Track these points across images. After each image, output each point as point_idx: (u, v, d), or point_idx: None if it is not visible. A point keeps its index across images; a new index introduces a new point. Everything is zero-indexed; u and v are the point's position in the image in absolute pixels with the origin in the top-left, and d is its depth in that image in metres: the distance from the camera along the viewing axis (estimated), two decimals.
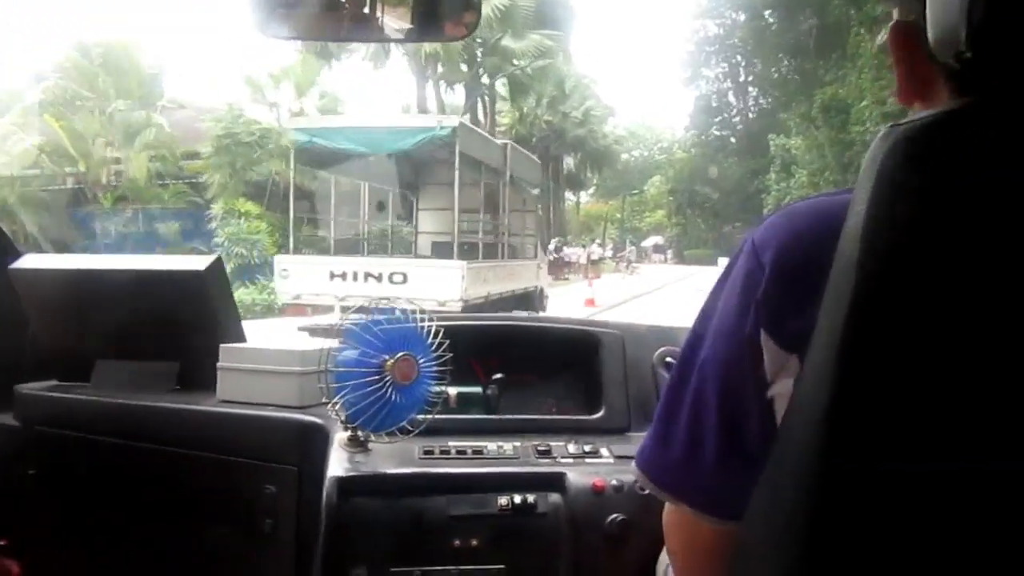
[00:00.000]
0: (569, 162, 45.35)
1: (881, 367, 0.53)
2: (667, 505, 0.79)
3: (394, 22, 1.36)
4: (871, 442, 0.54)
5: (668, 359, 1.60)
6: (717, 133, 55.48)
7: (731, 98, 55.27)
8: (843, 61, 25.67)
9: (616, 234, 61.38)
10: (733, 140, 55.21)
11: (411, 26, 1.37)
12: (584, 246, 33.80)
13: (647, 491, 0.78)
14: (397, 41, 1.35)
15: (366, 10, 1.37)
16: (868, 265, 0.54)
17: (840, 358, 0.54)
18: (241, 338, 1.72)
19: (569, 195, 54.34)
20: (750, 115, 53.81)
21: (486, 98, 31.19)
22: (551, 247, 31.17)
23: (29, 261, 1.77)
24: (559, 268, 28.91)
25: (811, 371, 0.59)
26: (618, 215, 65.71)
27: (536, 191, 13.27)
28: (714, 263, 42.64)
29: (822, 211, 0.67)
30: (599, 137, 42.25)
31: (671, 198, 56.80)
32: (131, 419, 1.63)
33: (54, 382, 1.80)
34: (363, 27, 1.41)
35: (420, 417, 1.35)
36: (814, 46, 30.25)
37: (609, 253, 39.44)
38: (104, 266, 1.79)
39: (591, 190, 62.48)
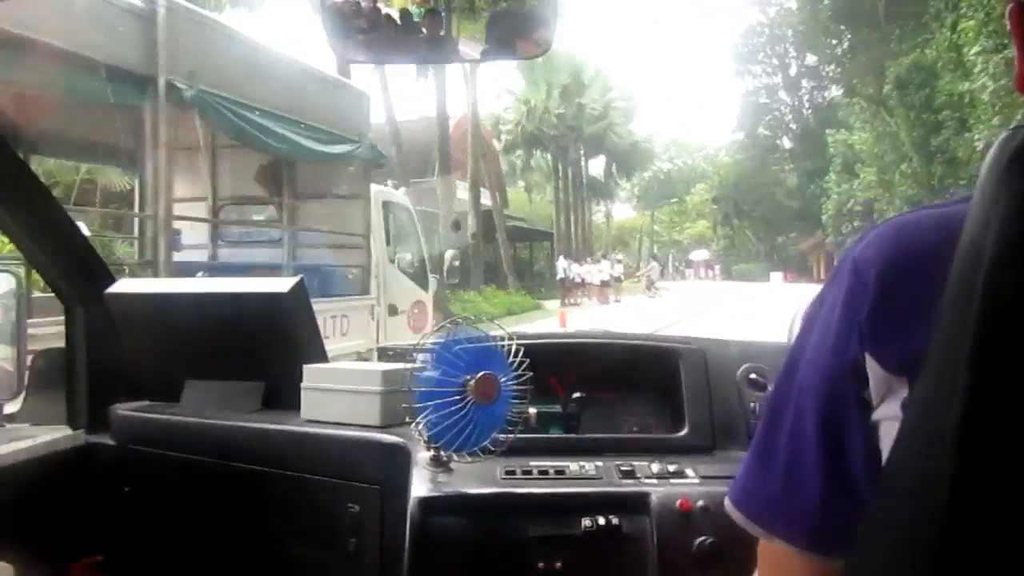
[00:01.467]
0: (596, 167, 41.50)
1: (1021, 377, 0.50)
2: (762, 540, 0.74)
3: (468, 42, 1.38)
4: (1008, 454, 0.50)
5: (753, 375, 1.55)
6: (766, 133, 51.12)
7: (782, 95, 50.84)
8: (921, 29, 21.33)
9: (653, 248, 56.76)
10: (786, 141, 50.99)
11: (485, 46, 1.39)
12: (603, 260, 29.45)
13: (742, 526, 0.74)
14: (472, 61, 1.36)
15: (442, 33, 1.39)
16: (1001, 274, 0.51)
17: (970, 370, 0.51)
18: (323, 358, 1.75)
19: (601, 207, 50.57)
20: (804, 111, 49.28)
21: (467, 79, 25.08)
22: (559, 266, 26.96)
23: (123, 286, 1.84)
24: (569, 291, 26.13)
25: (929, 389, 0.56)
26: (655, 227, 60.79)
27: (347, 149, 6.50)
28: (766, 278, 40.81)
29: (931, 223, 0.64)
30: (623, 134, 37.61)
31: (715, 207, 52.31)
32: (219, 438, 1.67)
33: (147, 402, 1.86)
34: (439, 49, 1.43)
35: (501, 437, 1.34)
36: (884, 10, 25.89)
37: (648, 268, 34.23)
38: (192, 289, 1.85)
39: (632, 201, 59.46)
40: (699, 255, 58.26)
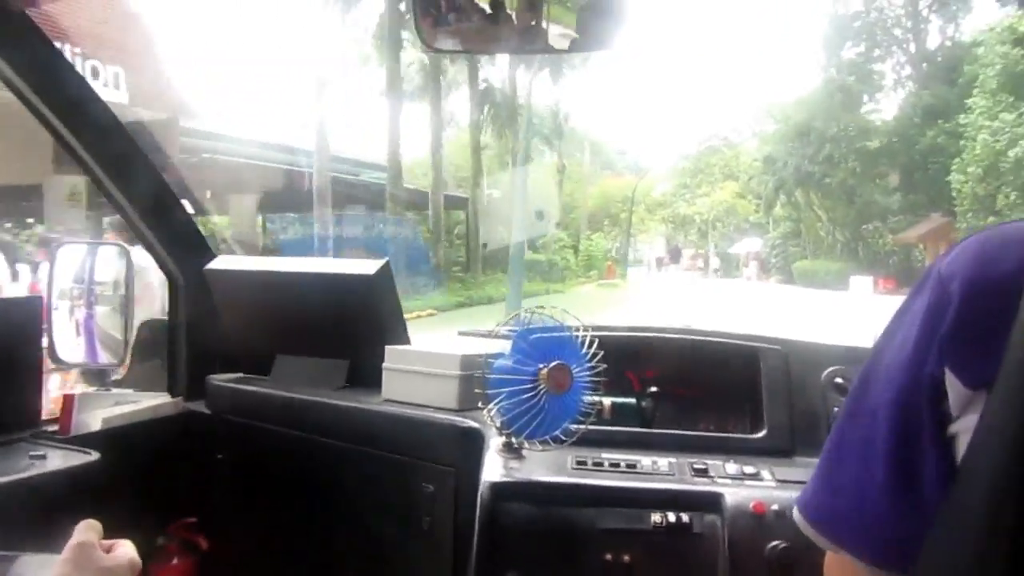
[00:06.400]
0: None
1: None
2: (828, 552, 0.73)
3: (558, 31, 1.37)
4: None
5: (838, 380, 1.50)
6: (853, 58, 30.69)
7: None
8: None
9: (623, 234, 37.86)
10: (887, 66, 31.18)
11: (575, 36, 1.38)
12: None
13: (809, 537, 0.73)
14: (562, 52, 1.36)
15: (533, 23, 1.39)
16: None
17: None
18: (405, 340, 1.79)
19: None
20: (921, 19, 30.57)
21: None
22: None
23: (221, 262, 1.94)
24: None
25: (1003, 402, 0.54)
26: (653, 195, 41.35)
27: None
28: (843, 286, 25.53)
29: (1016, 238, 0.62)
30: None
31: (763, 166, 32.76)
32: (305, 412, 1.74)
33: (240, 374, 1.96)
34: (529, 38, 1.42)
35: (574, 427, 1.34)
36: None
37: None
38: (285, 268, 1.93)
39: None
40: (748, 245, 38.34)
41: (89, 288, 1.98)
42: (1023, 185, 16.93)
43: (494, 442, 1.40)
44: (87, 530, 0.74)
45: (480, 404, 1.33)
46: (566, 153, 32.16)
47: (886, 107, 31.22)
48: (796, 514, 0.73)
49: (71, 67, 1.64)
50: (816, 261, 30.49)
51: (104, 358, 1.92)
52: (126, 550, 0.76)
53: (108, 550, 0.75)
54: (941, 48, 29.62)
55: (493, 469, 1.33)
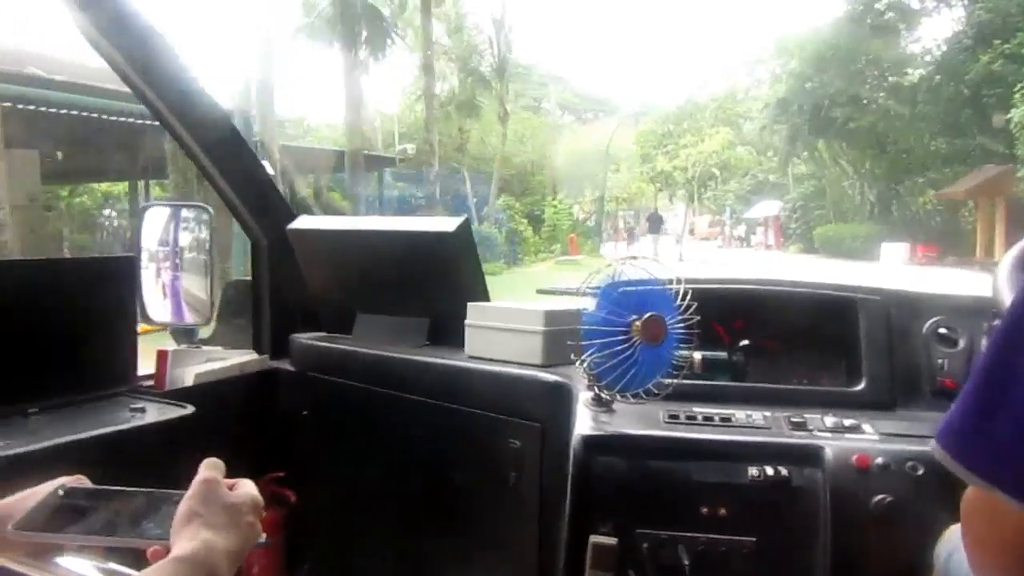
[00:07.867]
0: None
1: None
2: (970, 490, 0.69)
3: None
4: None
5: (942, 330, 1.44)
6: None
7: None
8: None
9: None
10: None
11: None
12: None
13: (951, 472, 0.68)
14: None
15: None
16: None
17: None
18: (486, 297, 1.79)
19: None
20: None
21: None
22: None
23: (303, 222, 1.95)
24: None
25: None
26: (634, 146, 32.20)
27: None
28: (873, 255, 20.73)
29: None
30: None
31: (775, 111, 25.44)
32: (388, 369, 1.76)
33: (323, 333, 1.98)
34: None
35: (666, 380, 1.32)
36: None
37: None
38: (366, 226, 1.93)
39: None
40: (765, 208, 31.99)
41: (174, 250, 2.02)
42: None
43: (583, 396, 1.38)
44: (212, 467, 0.75)
45: (573, 356, 1.31)
46: (528, 99, 25.81)
47: (926, 35, 22.73)
48: (937, 449, 0.69)
49: (154, 29, 1.65)
50: (841, 225, 24.59)
51: (190, 317, 1.97)
52: (248, 488, 0.77)
53: (231, 488, 0.76)
54: None
55: (584, 423, 1.32)
